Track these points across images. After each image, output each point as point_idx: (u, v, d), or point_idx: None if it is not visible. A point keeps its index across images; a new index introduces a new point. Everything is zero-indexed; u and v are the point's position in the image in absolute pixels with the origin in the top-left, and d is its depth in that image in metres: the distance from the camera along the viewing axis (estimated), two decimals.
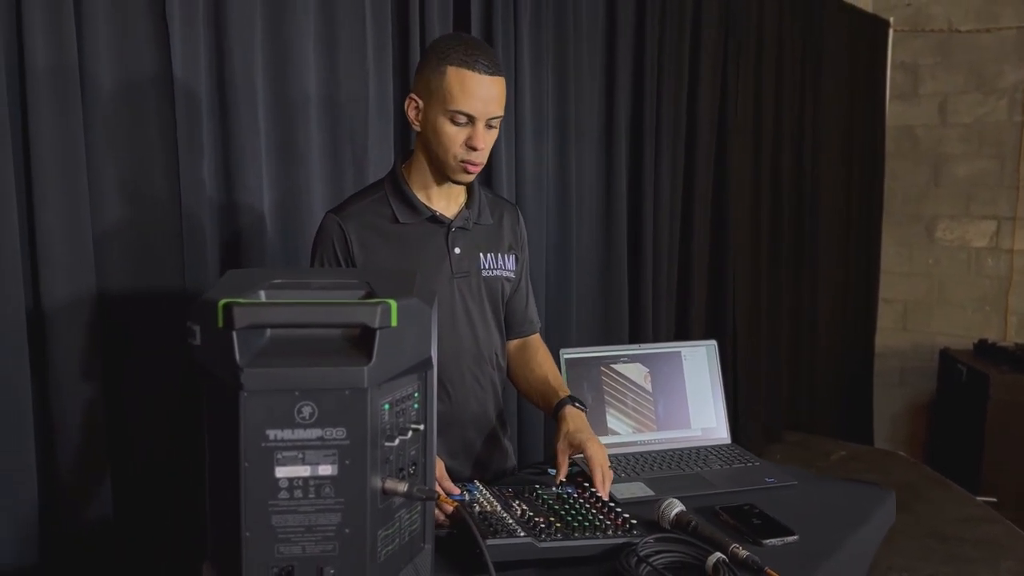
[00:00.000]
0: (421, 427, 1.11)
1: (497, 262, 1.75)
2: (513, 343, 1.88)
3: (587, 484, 1.58)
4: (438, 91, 1.57)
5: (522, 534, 1.36)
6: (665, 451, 1.89)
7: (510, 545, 1.33)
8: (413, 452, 1.12)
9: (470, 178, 1.66)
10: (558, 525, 1.41)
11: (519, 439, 2.93)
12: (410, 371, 1.09)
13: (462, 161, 1.60)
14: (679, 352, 1.98)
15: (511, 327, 1.86)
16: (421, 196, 1.70)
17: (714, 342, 2.02)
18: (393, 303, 1.02)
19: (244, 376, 0.98)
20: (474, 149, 1.59)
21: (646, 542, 1.38)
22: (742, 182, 4.08)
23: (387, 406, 1.05)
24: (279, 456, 1.00)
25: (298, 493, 1.01)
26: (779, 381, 4.53)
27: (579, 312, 3.19)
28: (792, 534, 1.49)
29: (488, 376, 1.78)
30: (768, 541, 1.46)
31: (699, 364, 1.98)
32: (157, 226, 1.98)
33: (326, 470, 1.01)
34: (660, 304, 3.62)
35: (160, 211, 1.98)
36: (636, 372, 1.93)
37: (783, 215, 4.45)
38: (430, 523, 1.18)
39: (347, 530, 1.02)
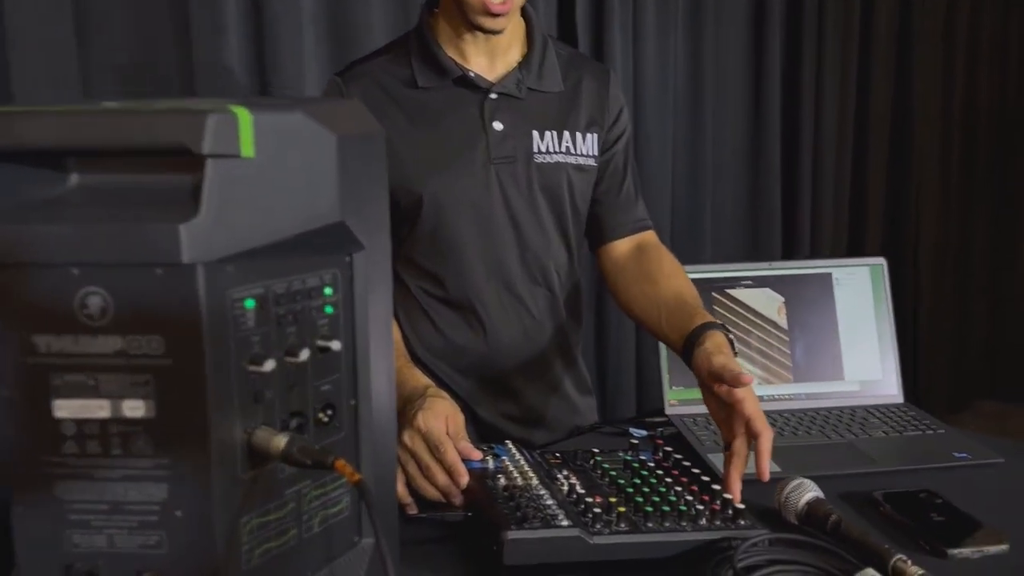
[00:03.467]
0: (336, 346, 0.66)
1: (562, 144, 1.26)
2: (622, 248, 1.35)
3: (673, 452, 1.09)
4: None
5: (566, 523, 0.89)
6: (804, 410, 1.36)
7: (546, 540, 0.87)
8: (327, 387, 0.67)
9: (498, 23, 1.17)
10: (621, 510, 0.92)
11: (637, 391, 2.44)
12: (303, 247, 0.63)
13: None
14: (829, 274, 1.42)
15: (610, 225, 1.36)
16: (450, 51, 1.24)
17: (883, 260, 1.44)
18: (244, 114, 0.57)
19: None
20: None
21: (753, 545, 0.88)
22: (929, 101, 3.36)
23: (251, 302, 0.61)
24: (57, 381, 0.58)
25: (94, 446, 0.59)
26: (971, 336, 3.78)
27: (715, 223, 2.66)
28: (999, 542, 0.94)
29: (542, 299, 1.31)
30: (956, 551, 0.93)
31: (860, 292, 1.42)
32: None
33: (136, 408, 0.58)
34: (822, 220, 2.99)
35: None
36: (765, 301, 1.40)
37: (978, 142, 3.67)
38: (382, 503, 0.73)
39: (178, 512, 0.59)
